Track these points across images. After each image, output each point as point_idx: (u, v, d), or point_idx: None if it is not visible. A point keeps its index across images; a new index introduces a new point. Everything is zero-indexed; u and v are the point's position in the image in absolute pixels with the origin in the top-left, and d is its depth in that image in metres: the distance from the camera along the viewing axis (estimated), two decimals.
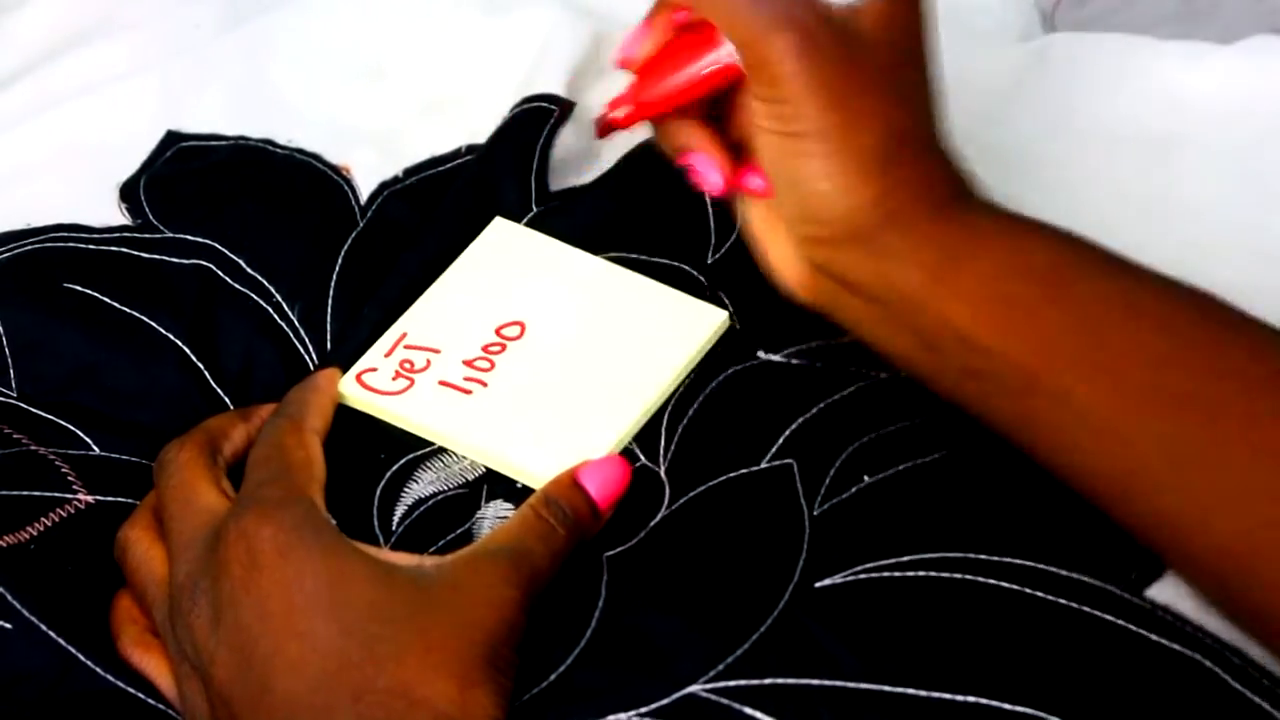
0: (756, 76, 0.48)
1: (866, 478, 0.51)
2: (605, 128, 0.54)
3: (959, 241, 0.48)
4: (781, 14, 0.47)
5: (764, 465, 0.52)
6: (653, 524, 0.51)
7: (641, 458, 0.53)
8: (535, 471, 0.52)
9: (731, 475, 0.52)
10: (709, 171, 0.52)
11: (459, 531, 0.52)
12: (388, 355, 0.56)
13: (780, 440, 0.52)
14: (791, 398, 0.54)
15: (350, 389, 0.55)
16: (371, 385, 0.55)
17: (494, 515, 0.52)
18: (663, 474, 0.53)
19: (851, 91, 0.48)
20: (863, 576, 0.49)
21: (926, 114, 0.50)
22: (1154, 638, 0.47)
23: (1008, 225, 0.49)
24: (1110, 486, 0.46)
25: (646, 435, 0.54)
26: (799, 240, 0.50)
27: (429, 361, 0.56)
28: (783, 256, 0.51)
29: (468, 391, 0.55)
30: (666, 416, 0.54)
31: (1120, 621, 0.47)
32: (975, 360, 0.47)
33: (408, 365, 0.56)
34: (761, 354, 0.56)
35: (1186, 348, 0.45)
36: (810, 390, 0.54)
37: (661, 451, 0.53)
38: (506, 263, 0.59)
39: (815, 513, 0.51)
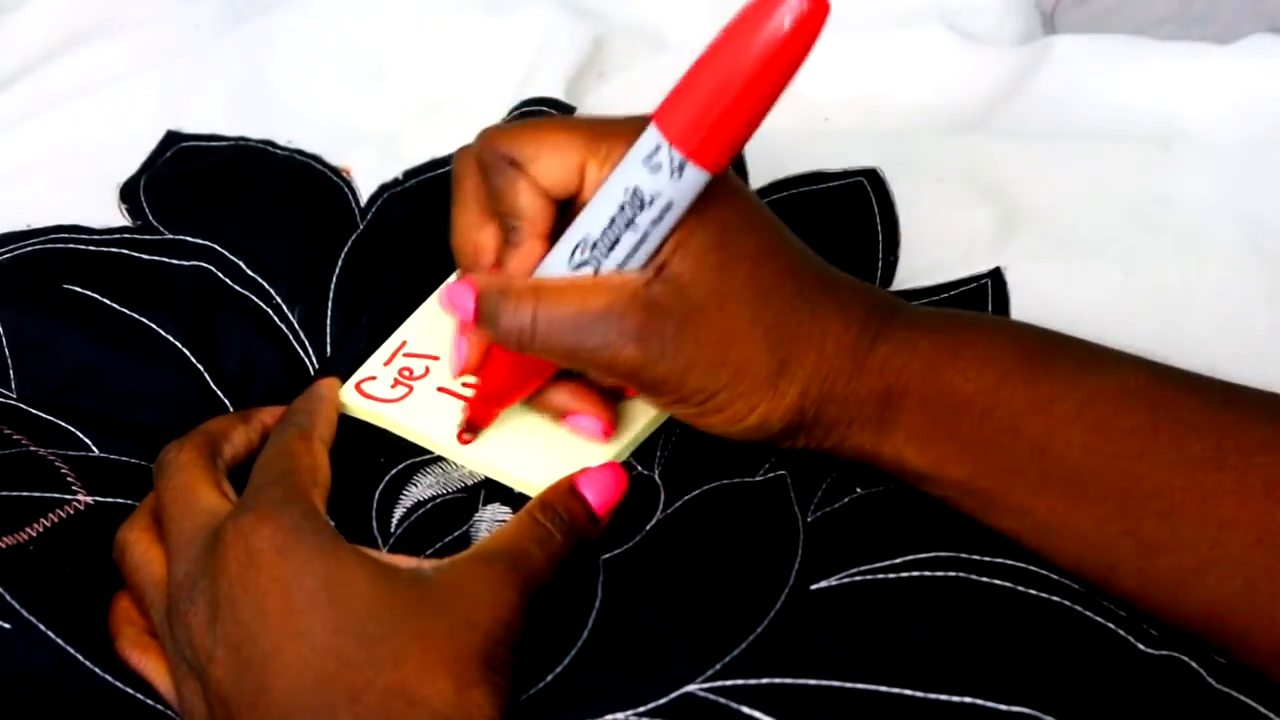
0: (634, 387, 0.49)
1: (859, 489, 0.51)
2: (473, 430, 0.54)
3: (886, 389, 0.48)
4: (614, 334, 0.47)
5: (758, 478, 0.52)
6: (649, 527, 0.51)
7: (637, 466, 0.53)
8: (530, 480, 0.52)
9: (726, 482, 0.52)
10: (592, 427, 0.53)
11: (456, 534, 0.53)
12: (387, 364, 0.56)
13: (774, 457, 0.53)
14: None
15: (350, 398, 0.55)
16: (371, 393, 0.55)
17: (491, 518, 0.52)
18: (657, 478, 0.53)
19: (719, 342, 0.47)
20: (857, 578, 0.49)
21: (789, 283, 0.49)
22: (1141, 646, 0.47)
23: (926, 353, 0.48)
24: (1083, 574, 0.48)
25: (642, 451, 0.54)
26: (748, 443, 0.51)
27: (428, 369, 0.56)
28: (736, 440, 0.51)
29: (465, 398, 0.55)
30: (662, 435, 0.54)
31: (1110, 625, 0.47)
32: (936, 489, 0.49)
33: (406, 373, 0.56)
34: None
35: (1129, 440, 0.46)
36: None
37: (656, 459, 0.53)
38: None
39: (809, 519, 0.51)
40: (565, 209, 0.50)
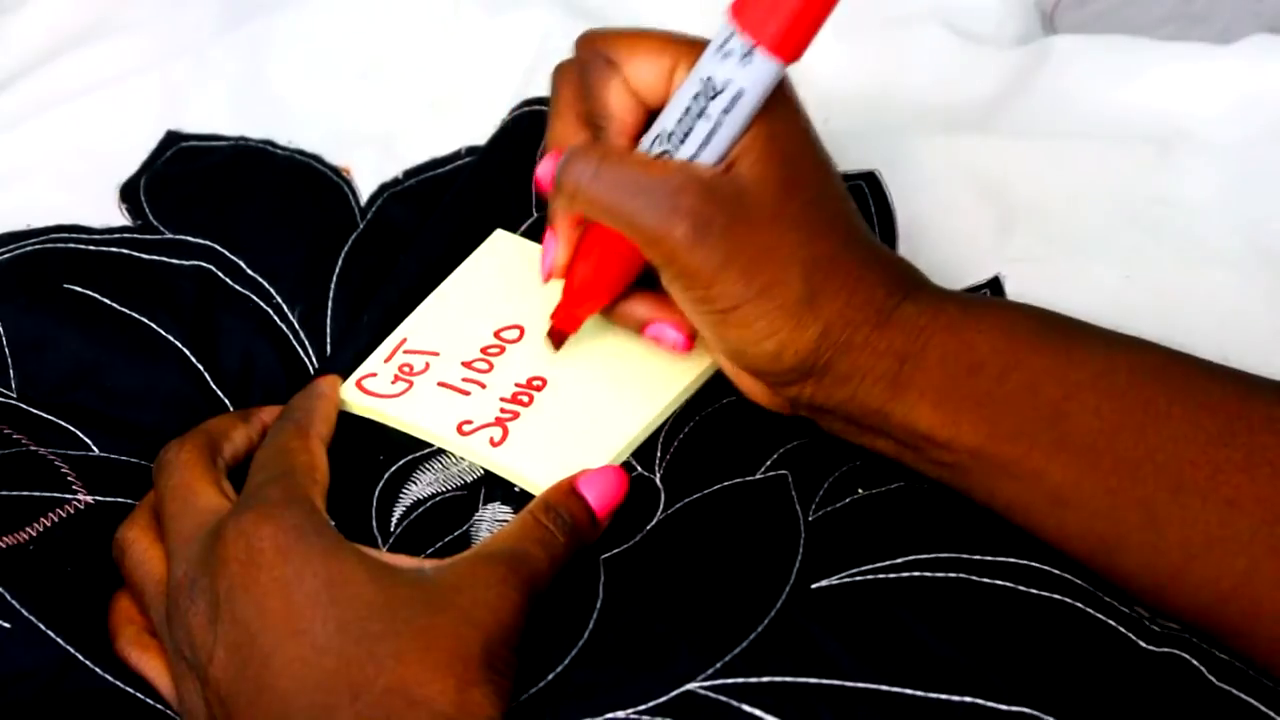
0: (665, 271, 0.49)
1: (861, 490, 0.51)
2: (559, 338, 0.54)
3: (906, 346, 0.49)
4: (667, 207, 0.48)
5: (759, 476, 0.52)
6: (649, 527, 0.51)
7: (638, 467, 0.53)
8: (531, 477, 0.52)
9: (727, 483, 0.52)
10: (671, 334, 0.53)
11: (457, 534, 0.52)
12: (387, 360, 0.56)
13: (774, 456, 0.53)
14: (787, 422, 0.53)
15: (351, 395, 0.55)
16: (372, 390, 0.55)
17: (492, 518, 0.52)
18: (658, 480, 0.53)
19: (759, 253, 0.48)
20: (858, 578, 0.49)
21: (840, 227, 0.50)
22: (1142, 644, 0.47)
23: (950, 314, 0.49)
24: (1089, 550, 0.48)
25: (642, 446, 0.54)
26: (760, 380, 0.51)
27: (428, 364, 0.56)
28: (748, 383, 0.52)
29: (466, 393, 0.55)
30: (663, 431, 0.54)
31: (1110, 622, 0.47)
32: (946, 455, 0.49)
33: (407, 369, 0.56)
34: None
35: (1143, 412, 0.46)
36: (806, 420, 0.54)
37: (657, 460, 0.53)
38: (507, 273, 0.59)
39: (810, 519, 0.51)
40: (654, 118, 0.51)
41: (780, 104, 0.49)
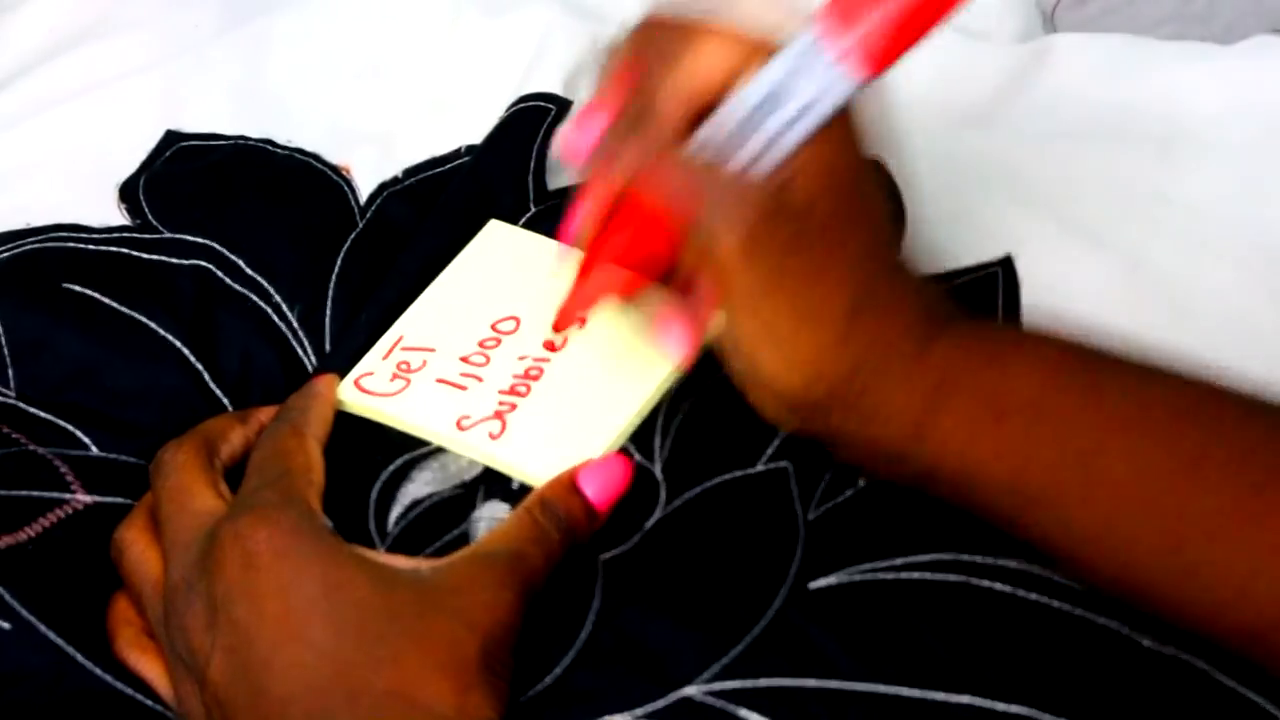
0: (711, 279, 0.47)
1: (861, 482, 0.51)
2: (564, 322, 0.53)
3: (936, 384, 0.47)
4: (724, 213, 0.46)
5: (759, 468, 0.52)
6: (648, 526, 0.51)
7: (638, 456, 0.53)
8: (530, 470, 0.52)
9: (727, 477, 0.52)
10: (679, 344, 0.50)
11: (455, 533, 0.52)
12: (385, 359, 0.56)
13: (776, 443, 0.52)
14: None
15: (348, 394, 0.55)
16: (369, 388, 0.55)
17: (490, 516, 0.52)
18: (659, 473, 0.53)
19: (804, 282, 0.46)
20: (857, 578, 0.49)
21: (883, 263, 0.48)
22: (1145, 643, 0.47)
23: (981, 358, 0.47)
24: (1117, 591, 0.46)
25: (642, 434, 0.54)
26: (776, 404, 0.49)
27: (425, 361, 0.56)
28: (763, 402, 0.49)
29: (463, 388, 0.55)
30: (661, 416, 0.54)
31: (1113, 625, 0.47)
32: (968, 492, 0.47)
33: (404, 366, 0.56)
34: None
35: (1177, 458, 0.44)
36: None
37: (657, 449, 0.53)
38: (502, 264, 0.59)
39: (810, 516, 0.51)
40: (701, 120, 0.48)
41: (845, 123, 0.46)
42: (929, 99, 0.70)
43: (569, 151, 0.49)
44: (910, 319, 0.47)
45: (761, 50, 0.47)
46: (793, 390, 0.47)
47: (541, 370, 0.55)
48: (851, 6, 0.43)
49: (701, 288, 0.48)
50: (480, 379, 0.55)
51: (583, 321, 0.56)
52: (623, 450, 0.53)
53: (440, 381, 0.55)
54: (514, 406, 0.54)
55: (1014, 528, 0.47)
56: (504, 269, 0.59)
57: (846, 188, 0.47)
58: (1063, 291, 0.58)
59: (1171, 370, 0.47)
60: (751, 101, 0.46)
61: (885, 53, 0.43)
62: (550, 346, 0.56)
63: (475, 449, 0.54)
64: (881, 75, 0.45)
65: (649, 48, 0.48)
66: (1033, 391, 0.46)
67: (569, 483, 0.50)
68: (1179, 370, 0.47)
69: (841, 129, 0.46)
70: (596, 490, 0.50)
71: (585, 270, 0.50)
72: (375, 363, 0.56)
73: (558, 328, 0.54)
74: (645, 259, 0.49)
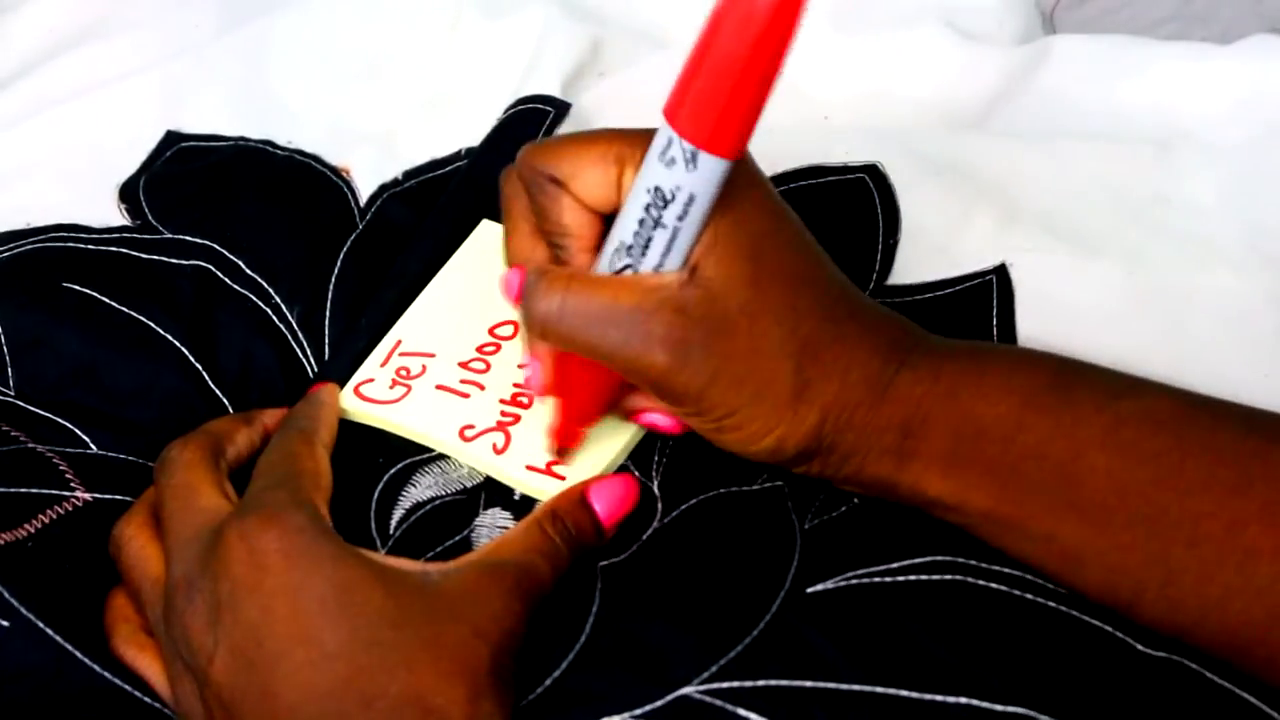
0: (653, 393, 0.48)
1: (856, 499, 0.51)
2: (564, 453, 0.53)
3: (907, 418, 0.47)
4: (642, 336, 0.46)
5: (755, 487, 0.52)
6: (646, 535, 0.51)
7: (635, 472, 0.53)
8: (536, 484, 0.52)
9: (723, 491, 0.52)
10: (664, 421, 0.52)
11: (456, 539, 0.52)
12: (383, 365, 0.56)
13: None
14: None
15: (350, 402, 0.55)
16: (369, 396, 0.55)
17: (491, 524, 0.52)
18: (655, 488, 0.53)
19: (745, 359, 0.47)
20: (854, 582, 0.49)
21: (824, 303, 0.48)
22: (1140, 647, 0.47)
23: (950, 380, 0.48)
24: (1107, 602, 0.47)
25: (640, 453, 0.54)
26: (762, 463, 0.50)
27: (424, 367, 0.56)
28: (750, 460, 0.51)
29: (465, 395, 0.55)
30: (660, 436, 0.54)
31: (1108, 628, 0.47)
32: (957, 517, 0.48)
33: (404, 372, 0.56)
34: None
35: (1154, 466, 0.45)
36: None
37: (655, 466, 0.53)
38: (497, 264, 0.59)
39: (806, 526, 0.51)
40: (610, 222, 0.49)
41: (736, 191, 0.46)
42: (929, 100, 0.70)
43: (510, 297, 0.50)
44: (865, 360, 0.48)
45: (635, 146, 0.47)
46: (767, 455, 0.49)
47: None
48: (687, 95, 0.44)
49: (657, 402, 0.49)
50: (481, 386, 0.55)
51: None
52: (623, 468, 0.53)
53: (440, 388, 0.55)
54: (517, 419, 0.54)
55: (1003, 546, 0.48)
56: (500, 269, 0.59)
57: (760, 254, 0.47)
58: (1058, 298, 0.58)
59: (1142, 382, 0.47)
60: (640, 206, 0.46)
61: (736, 131, 0.45)
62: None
63: (480, 460, 0.54)
64: (744, 149, 0.46)
65: (535, 183, 0.49)
66: (1004, 415, 0.47)
67: (580, 497, 0.50)
68: (1149, 382, 0.47)
69: (737, 199, 0.47)
70: (605, 506, 0.50)
71: (563, 416, 0.52)
72: (374, 369, 0.56)
73: (561, 454, 0.53)
74: (605, 384, 0.51)
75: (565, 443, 0.53)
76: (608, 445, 0.53)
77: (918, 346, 0.49)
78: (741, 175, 0.47)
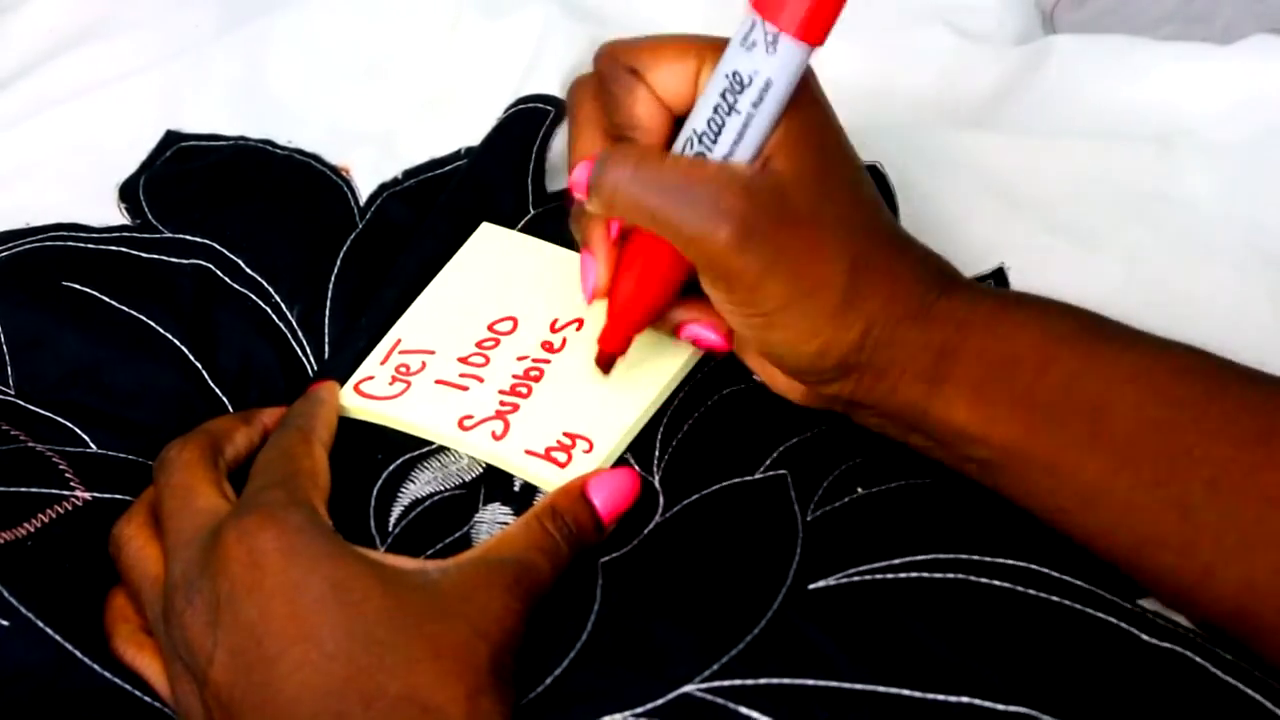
0: (708, 275, 0.48)
1: (860, 490, 0.51)
2: (608, 361, 0.53)
3: (944, 341, 0.48)
4: (709, 209, 0.47)
5: (758, 476, 0.52)
6: (647, 530, 0.51)
7: (634, 466, 0.53)
8: (534, 471, 0.52)
9: (725, 484, 0.52)
10: (709, 335, 0.52)
11: (457, 535, 0.52)
12: (383, 363, 0.56)
13: (774, 455, 0.53)
14: (786, 419, 0.53)
15: (349, 400, 0.55)
16: (369, 393, 0.55)
17: (492, 519, 0.52)
18: (657, 483, 0.53)
19: (802, 254, 0.47)
20: (856, 578, 0.48)
21: (877, 222, 0.49)
22: (1145, 637, 0.47)
23: (987, 310, 0.49)
24: (1120, 547, 0.47)
25: (640, 447, 0.54)
26: (797, 379, 0.51)
27: (424, 363, 0.56)
28: (783, 383, 0.52)
29: (464, 388, 0.55)
30: (661, 430, 0.54)
31: (1112, 619, 0.47)
32: (981, 450, 0.48)
33: (403, 369, 0.56)
34: (757, 377, 0.55)
35: (1180, 409, 0.46)
36: (805, 415, 0.54)
37: (655, 461, 0.53)
38: (496, 265, 0.59)
39: (808, 519, 0.51)
40: (679, 127, 0.50)
41: (808, 96, 0.48)
42: (929, 100, 0.70)
43: (575, 186, 0.50)
44: (911, 281, 0.49)
45: (715, 49, 0.48)
46: (807, 363, 0.49)
47: (542, 371, 0.55)
48: None
49: (708, 287, 0.49)
50: (480, 379, 0.55)
51: (580, 323, 0.56)
52: (621, 461, 0.53)
53: (440, 383, 0.55)
54: (516, 407, 0.54)
55: (1021, 485, 0.48)
56: (498, 271, 0.59)
57: (827, 159, 0.48)
58: (1058, 296, 0.57)
59: (1170, 339, 0.48)
60: (716, 93, 0.48)
61: (819, 16, 0.46)
62: (549, 347, 0.56)
63: (478, 448, 0.54)
64: (824, 39, 0.47)
65: (611, 75, 0.50)
66: (1039, 345, 0.47)
67: (579, 492, 0.50)
68: (1177, 341, 0.48)
69: (809, 104, 0.48)
70: (605, 500, 0.50)
71: (614, 315, 0.52)
72: (374, 367, 0.56)
73: (605, 371, 0.53)
74: (661, 282, 0.51)
75: (612, 347, 0.52)
76: (609, 430, 0.53)
77: (958, 280, 0.50)
78: (812, 86, 0.48)
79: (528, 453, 0.52)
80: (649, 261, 0.50)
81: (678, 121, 0.50)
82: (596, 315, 0.56)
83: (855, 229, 0.48)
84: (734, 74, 0.47)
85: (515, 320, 0.57)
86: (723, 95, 0.47)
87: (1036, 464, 0.47)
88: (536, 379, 0.55)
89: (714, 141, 0.48)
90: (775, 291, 0.47)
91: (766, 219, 0.47)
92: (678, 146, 0.49)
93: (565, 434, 0.53)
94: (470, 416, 0.54)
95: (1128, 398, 0.46)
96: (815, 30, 0.46)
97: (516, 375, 0.55)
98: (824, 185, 0.48)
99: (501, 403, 0.54)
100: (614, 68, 0.50)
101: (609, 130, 0.50)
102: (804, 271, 0.47)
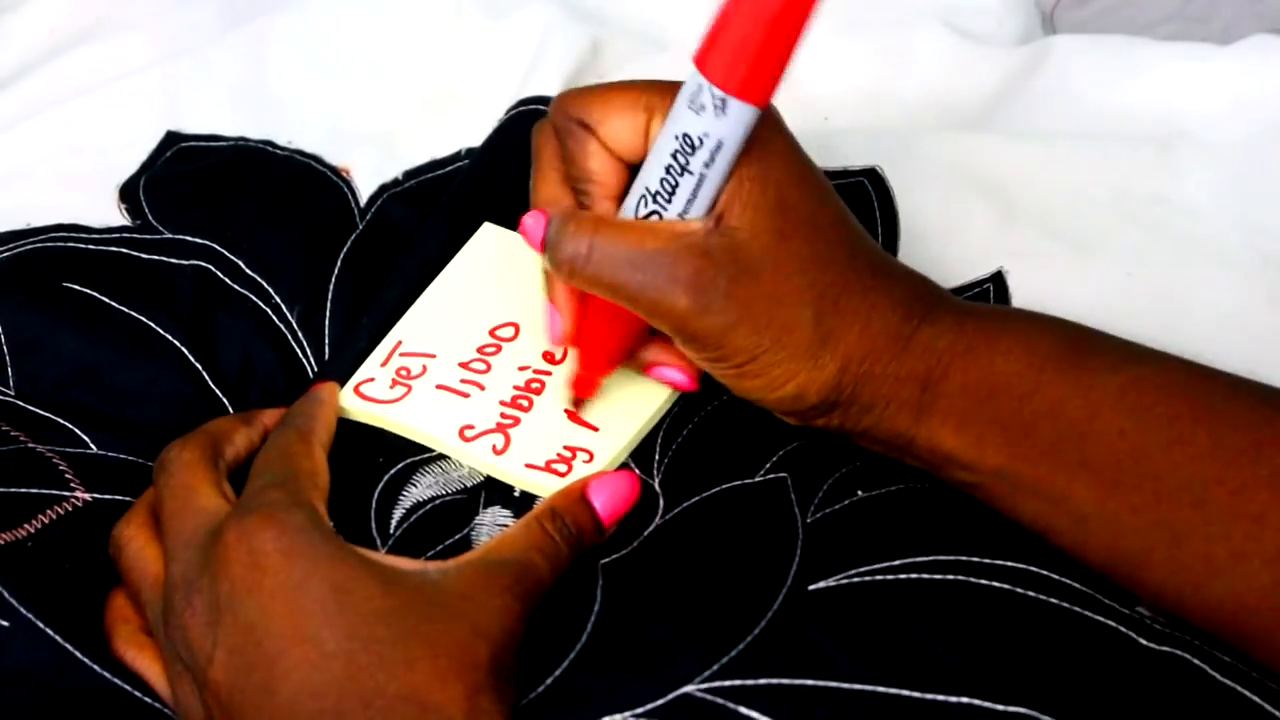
0: (675, 338, 0.49)
1: (860, 492, 0.51)
2: (579, 404, 0.54)
3: (927, 371, 0.48)
4: (666, 279, 0.47)
5: (758, 479, 0.52)
6: (647, 532, 0.51)
7: (635, 470, 0.53)
8: (536, 481, 0.52)
9: (725, 486, 0.52)
10: (678, 376, 0.53)
11: (457, 537, 0.52)
12: (384, 365, 0.56)
13: (774, 458, 0.53)
14: (786, 424, 0.53)
15: (349, 401, 0.55)
16: (370, 395, 0.55)
17: (492, 522, 0.52)
18: (657, 486, 0.53)
19: (766, 305, 0.48)
20: (856, 580, 0.49)
21: (845, 255, 0.49)
22: (1143, 641, 0.47)
23: (970, 336, 0.48)
24: (1112, 566, 0.47)
25: (640, 450, 0.54)
26: (782, 418, 0.51)
27: (425, 367, 0.56)
28: (769, 411, 0.51)
29: (465, 395, 0.55)
30: (661, 433, 0.54)
31: (1110, 623, 0.47)
32: (970, 475, 0.48)
33: (404, 372, 0.56)
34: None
35: (1167, 430, 0.46)
36: None
37: (655, 464, 0.53)
38: (497, 267, 0.59)
39: (808, 521, 0.51)
40: (635, 174, 0.50)
41: (762, 141, 0.48)
42: (928, 101, 0.70)
43: (531, 241, 0.51)
44: (887, 312, 0.48)
45: (664, 95, 0.48)
46: (788, 405, 0.49)
47: (543, 384, 0.55)
48: (719, 43, 0.45)
49: (679, 346, 0.50)
50: (481, 386, 0.55)
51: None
52: (623, 465, 0.53)
53: (440, 388, 0.55)
54: (517, 421, 0.54)
55: (1012, 507, 0.48)
56: (500, 272, 0.59)
57: (782, 205, 0.48)
58: (1057, 298, 0.58)
59: (1157, 351, 0.48)
60: (667, 153, 0.47)
61: (765, 77, 0.46)
62: (550, 358, 0.56)
63: (479, 461, 0.54)
64: (771, 96, 0.46)
65: (565, 129, 0.50)
66: (1023, 371, 0.47)
67: (579, 494, 0.50)
68: (1163, 352, 0.48)
69: (761, 151, 0.48)
70: (605, 503, 0.50)
71: (583, 363, 0.53)
72: (374, 369, 0.56)
73: (577, 404, 0.54)
74: (624, 329, 0.52)
75: (582, 393, 0.53)
76: (608, 444, 0.53)
77: (939, 304, 0.50)
78: (766, 126, 0.48)
79: (528, 466, 0.53)
80: (613, 310, 0.50)
81: (632, 171, 0.50)
82: None
83: (820, 269, 0.48)
84: (684, 135, 0.47)
85: (516, 326, 0.57)
86: (674, 156, 0.47)
87: (1024, 487, 0.47)
88: (537, 391, 0.55)
89: (668, 201, 0.48)
90: (743, 345, 0.48)
91: (724, 278, 0.47)
92: (630, 202, 0.49)
93: (566, 447, 0.53)
94: (471, 426, 0.54)
95: (1114, 422, 0.46)
96: (761, 90, 0.46)
97: (518, 386, 0.55)
98: (781, 232, 0.48)
99: (503, 415, 0.54)
100: (565, 121, 0.50)
101: (566, 179, 0.51)
102: (770, 322, 0.48)
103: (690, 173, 0.47)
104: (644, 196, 0.49)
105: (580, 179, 0.50)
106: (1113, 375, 0.47)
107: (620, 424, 0.54)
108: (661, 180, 0.48)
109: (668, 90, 0.48)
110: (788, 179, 0.48)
